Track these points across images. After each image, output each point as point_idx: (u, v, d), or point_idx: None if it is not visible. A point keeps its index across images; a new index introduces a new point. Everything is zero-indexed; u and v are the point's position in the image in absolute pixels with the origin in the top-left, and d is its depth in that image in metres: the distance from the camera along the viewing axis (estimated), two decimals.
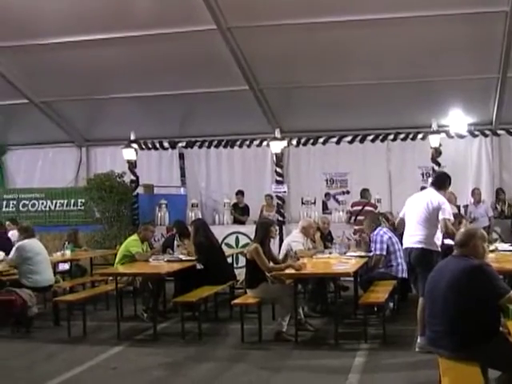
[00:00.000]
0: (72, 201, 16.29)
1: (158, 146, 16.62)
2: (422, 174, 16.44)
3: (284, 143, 15.29)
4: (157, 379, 7.42)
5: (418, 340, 7.79)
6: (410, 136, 15.21)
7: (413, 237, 8.12)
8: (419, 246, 8.00)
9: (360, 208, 14.78)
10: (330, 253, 10.90)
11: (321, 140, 15.72)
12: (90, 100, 16.20)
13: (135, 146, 15.80)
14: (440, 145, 14.39)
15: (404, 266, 9.79)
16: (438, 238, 8.05)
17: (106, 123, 17.53)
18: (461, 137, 15.26)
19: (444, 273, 5.34)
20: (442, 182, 8.42)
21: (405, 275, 9.83)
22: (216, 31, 12.73)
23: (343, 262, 9.95)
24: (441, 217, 7.90)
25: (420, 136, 14.95)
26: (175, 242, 12.15)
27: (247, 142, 16.09)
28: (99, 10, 12.40)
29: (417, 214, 8.10)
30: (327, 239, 12.42)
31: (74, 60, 13.93)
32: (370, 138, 15.51)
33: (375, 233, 10.54)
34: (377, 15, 12.16)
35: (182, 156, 18.15)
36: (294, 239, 11.17)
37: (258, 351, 8.49)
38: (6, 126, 18.07)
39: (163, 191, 17.26)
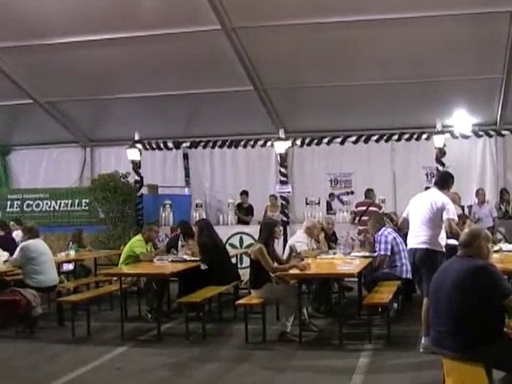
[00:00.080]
0: (76, 201, 16.29)
1: (162, 146, 16.60)
2: (427, 175, 16.43)
3: (288, 143, 15.29)
4: (161, 380, 7.42)
5: (423, 340, 7.78)
6: (415, 136, 15.18)
7: (417, 237, 8.11)
8: (424, 246, 8.00)
9: (364, 208, 14.76)
10: (335, 253, 10.89)
11: (325, 140, 15.69)
12: (95, 100, 16.21)
13: (139, 146, 15.82)
14: (444, 145, 14.39)
15: (408, 267, 9.78)
16: (443, 238, 8.05)
17: (111, 123, 17.54)
18: (465, 137, 15.23)
19: (448, 273, 5.33)
20: (445, 181, 8.42)
21: (409, 276, 9.83)
22: (220, 31, 12.72)
23: (347, 262, 9.93)
24: (445, 217, 7.89)
25: (424, 136, 14.93)
26: (179, 242, 12.16)
27: (251, 143, 16.06)
28: (104, 11, 12.40)
29: (421, 214, 8.10)
30: (331, 240, 12.40)
31: (78, 60, 13.94)
32: (375, 138, 15.47)
33: (379, 233, 10.53)
34: (381, 15, 12.13)
35: (186, 156, 18.16)
36: (299, 239, 11.16)
37: (262, 351, 8.49)
38: (11, 126, 18.12)
39: (167, 191, 17.29)
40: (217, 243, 11.11)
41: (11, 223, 14.50)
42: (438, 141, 14.35)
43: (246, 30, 12.89)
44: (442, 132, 14.44)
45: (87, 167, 18.85)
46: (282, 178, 15.31)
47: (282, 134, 15.07)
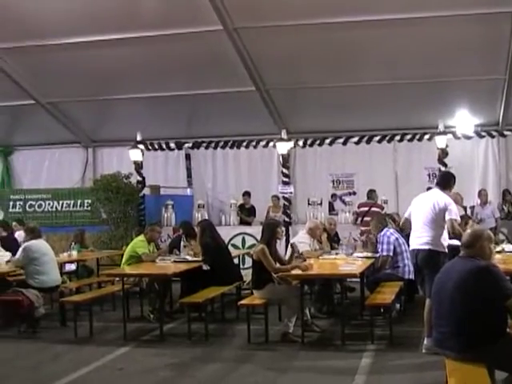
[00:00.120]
0: (78, 201, 16.29)
1: (164, 146, 16.61)
2: (429, 175, 16.41)
3: (290, 144, 15.28)
4: (163, 380, 7.43)
5: (425, 341, 7.78)
6: (417, 137, 15.19)
7: (420, 238, 8.10)
8: (426, 247, 7.99)
9: (366, 209, 14.76)
10: (337, 254, 10.91)
11: (327, 141, 15.68)
12: (97, 101, 16.21)
13: (141, 146, 15.81)
14: (447, 146, 14.37)
15: (411, 267, 9.77)
16: (445, 239, 8.04)
17: (113, 124, 17.56)
18: (467, 138, 15.22)
19: (451, 274, 5.33)
20: (446, 181, 8.41)
21: (411, 276, 9.81)
22: (222, 32, 12.72)
23: (350, 263, 9.94)
24: (447, 217, 7.88)
25: (427, 137, 14.93)
26: (182, 242, 12.16)
27: (253, 143, 16.07)
28: (106, 12, 12.40)
29: (423, 215, 8.09)
30: (334, 240, 12.42)
31: (80, 61, 13.95)
32: (377, 138, 15.46)
33: (382, 234, 10.54)
34: (386, 16, 12.12)
35: (188, 157, 18.16)
36: (301, 240, 11.16)
37: (264, 352, 8.49)
38: (13, 127, 18.16)
39: (170, 192, 17.27)
40: (219, 244, 11.11)
41: (13, 223, 14.49)
42: (441, 141, 14.35)
43: (248, 30, 12.89)
44: (445, 132, 14.44)
45: (89, 168, 18.88)
46: (284, 179, 15.30)
47: (284, 134, 15.05)
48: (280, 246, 10.70)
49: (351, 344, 8.59)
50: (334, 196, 17.50)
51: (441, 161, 14.34)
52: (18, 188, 18.59)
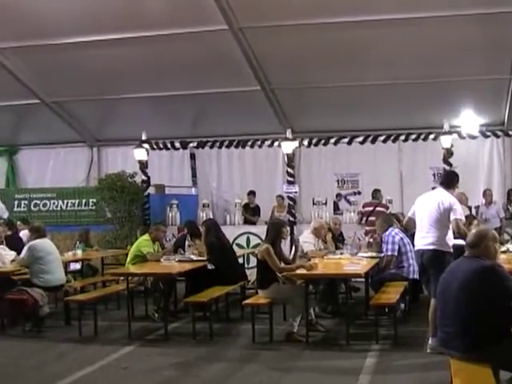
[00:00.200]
0: (83, 201, 16.32)
1: (169, 146, 16.57)
2: (434, 175, 16.39)
3: (295, 143, 15.27)
4: (168, 379, 7.43)
5: (430, 341, 7.77)
6: (422, 136, 15.12)
7: (425, 238, 8.09)
8: (431, 247, 7.98)
9: (371, 209, 14.74)
10: (342, 253, 10.89)
11: (332, 140, 15.64)
12: (102, 100, 16.23)
13: (146, 146, 15.83)
14: (452, 145, 14.34)
15: (415, 267, 9.74)
16: (450, 239, 8.03)
17: (118, 123, 17.58)
18: (472, 137, 15.18)
19: (456, 274, 5.32)
20: (450, 180, 8.40)
21: (416, 276, 9.78)
22: (227, 31, 12.73)
23: (354, 262, 9.92)
24: (452, 217, 7.87)
25: (431, 136, 14.88)
26: (186, 242, 12.15)
27: (258, 143, 16.03)
28: (111, 11, 12.41)
29: (428, 215, 8.07)
30: (338, 240, 12.40)
31: (85, 60, 13.97)
32: (382, 138, 15.41)
33: (387, 233, 10.52)
34: (389, 15, 12.12)
35: (193, 156, 18.19)
36: (306, 240, 11.17)
37: (268, 352, 8.49)
38: (18, 126, 18.18)
39: (174, 191, 17.31)
40: (224, 243, 11.12)
41: (18, 223, 14.50)
42: (446, 141, 14.32)
43: (253, 30, 12.89)
44: (450, 132, 14.41)
45: (94, 167, 18.91)
46: (289, 179, 15.30)
47: (289, 134, 15.05)
48: (285, 245, 10.69)
49: (356, 344, 8.59)
50: (338, 196, 17.49)
51: (446, 161, 14.31)
52: (23, 187, 18.64)
